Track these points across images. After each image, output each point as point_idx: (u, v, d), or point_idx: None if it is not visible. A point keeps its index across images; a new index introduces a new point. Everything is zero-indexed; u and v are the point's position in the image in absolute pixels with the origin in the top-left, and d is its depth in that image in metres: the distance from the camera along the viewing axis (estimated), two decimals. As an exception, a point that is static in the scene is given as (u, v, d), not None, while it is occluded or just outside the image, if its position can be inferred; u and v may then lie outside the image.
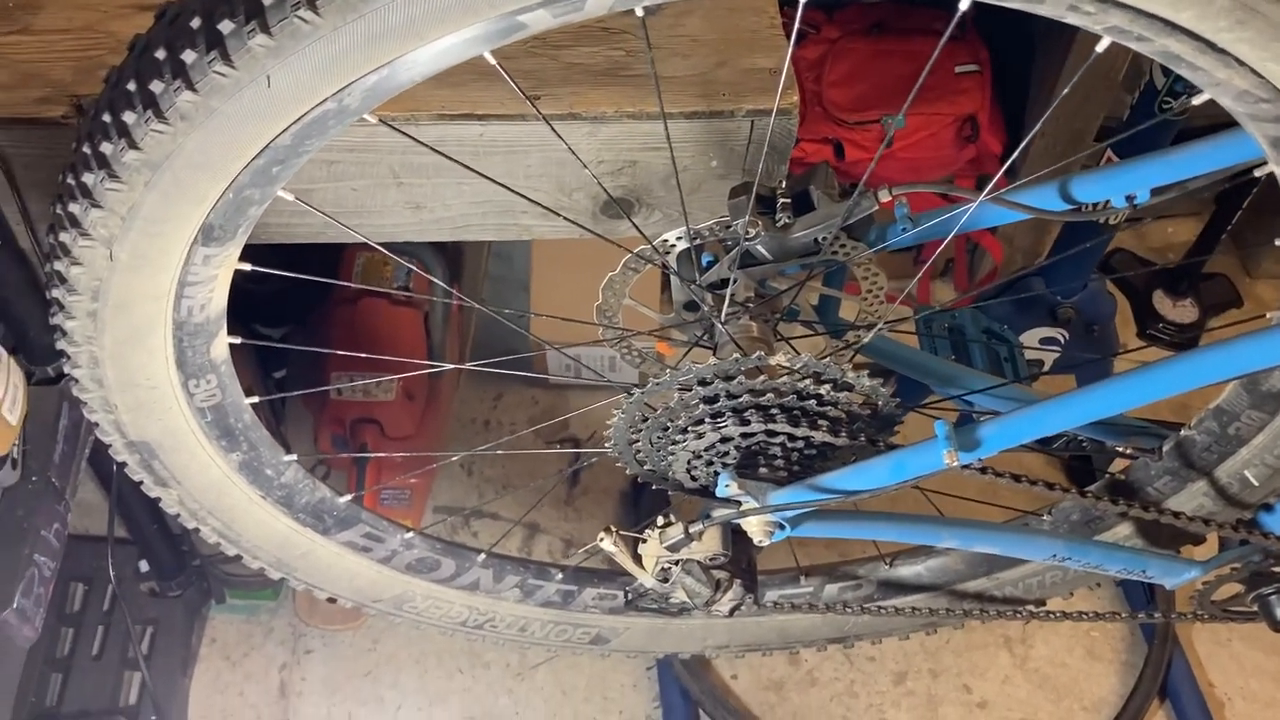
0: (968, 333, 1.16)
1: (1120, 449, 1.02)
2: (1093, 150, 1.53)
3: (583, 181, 1.10)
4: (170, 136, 0.62)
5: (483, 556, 1.12)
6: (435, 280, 1.71)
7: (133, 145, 0.62)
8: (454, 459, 1.83)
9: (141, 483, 0.91)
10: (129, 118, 0.61)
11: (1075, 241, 1.33)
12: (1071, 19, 0.62)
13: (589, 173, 1.07)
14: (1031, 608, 1.14)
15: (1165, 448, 1.01)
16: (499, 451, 1.96)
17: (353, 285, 1.65)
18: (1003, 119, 1.93)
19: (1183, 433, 0.99)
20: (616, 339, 0.95)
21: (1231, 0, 0.58)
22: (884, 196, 0.83)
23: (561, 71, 1.08)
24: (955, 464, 0.78)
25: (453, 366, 1.78)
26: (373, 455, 1.66)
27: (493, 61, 0.65)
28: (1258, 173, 0.74)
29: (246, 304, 1.75)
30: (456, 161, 0.94)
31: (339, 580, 1.08)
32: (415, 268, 1.70)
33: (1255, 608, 1.08)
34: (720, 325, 0.83)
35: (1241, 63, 0.63)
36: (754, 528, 0.85)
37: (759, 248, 0.85)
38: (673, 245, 0.87)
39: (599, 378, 1.74)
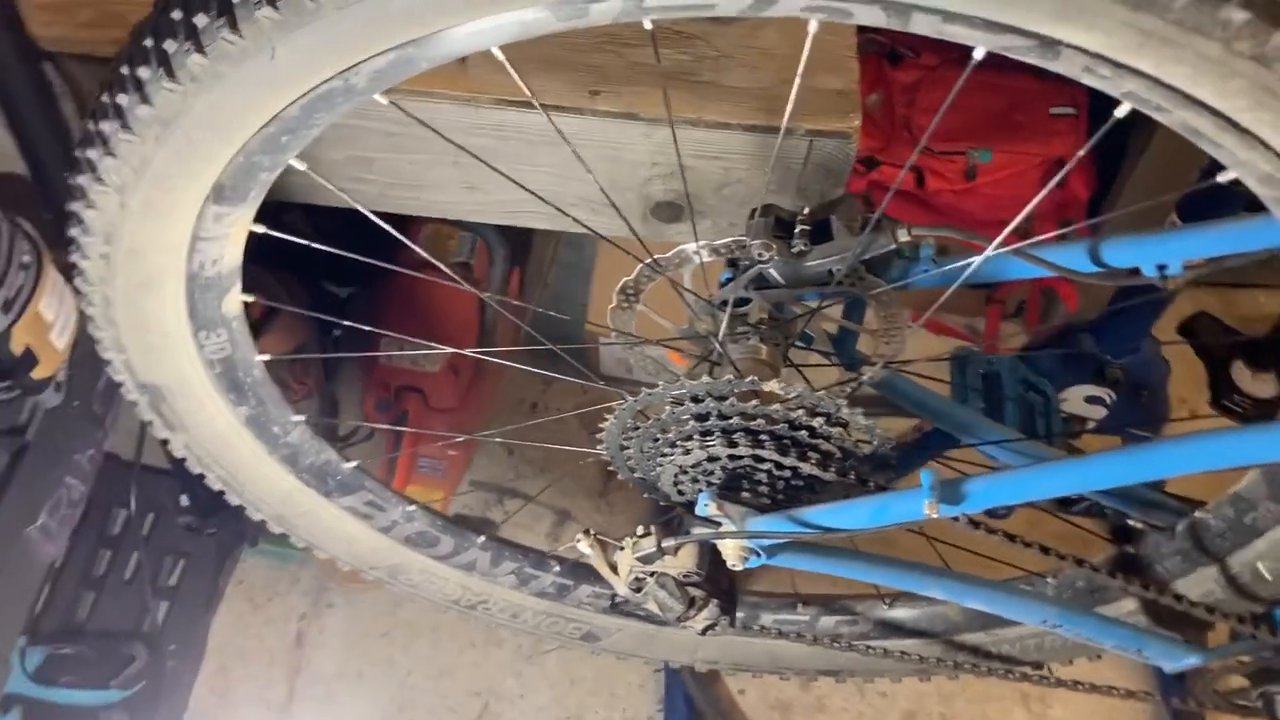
0: (1004, 382, 1.13)
1: (1134, 521, 0.99)
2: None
3: (634, 181, 1.10)
4: (180, 96, 0.63)
5: (482, 539, 1.14)
6: (495, 261, 1.73)
7: (145, 100, 0.64)
8: (470, 438, 1.84)
9: (150, 423, 0.94)
10: (144, 73, 0.63)
11: (1129, 300, 1.29)
12: (1088, 80, 0.60)
13: (640, 174, 1.07)
14: (1028, 670, 1.11)
15: (1179, 527, 0.97)
16: (497, 438, 1.97)
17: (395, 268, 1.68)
18: (1094, 167, 1.88)
19: (1198, 514, 0.95)
20: (629, 344, 0.95)
21: (1251, 81, 0.55)
22: (903, 236, 0.81)
23: (626, 70, 1.08)
24: (935, 515, 0.76)
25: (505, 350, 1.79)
26: (402, 430, 1.69)
27: (500, 58, 0.65)
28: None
29: (315, 261, 1.80)
30: (458, 143, 0.95)
31: (338, 543, 1.10)
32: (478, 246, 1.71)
33: (1260, 704, 1.04)
34: (717, 343, 0.82)
35: (1267, 146, 0.60)
36: (729, 551, 0.85)
37: (772, 271, 0.84)
38: (689, 257, 0.87)
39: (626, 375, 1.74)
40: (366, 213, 0.95)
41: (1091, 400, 1.36)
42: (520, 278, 1.83)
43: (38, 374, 1.19)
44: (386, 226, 0.91)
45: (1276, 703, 1.03)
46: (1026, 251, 0.82)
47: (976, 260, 0.75)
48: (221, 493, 1.04)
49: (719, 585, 0.92)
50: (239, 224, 0.77)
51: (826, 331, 0.96)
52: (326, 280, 1.84)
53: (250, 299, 0.85)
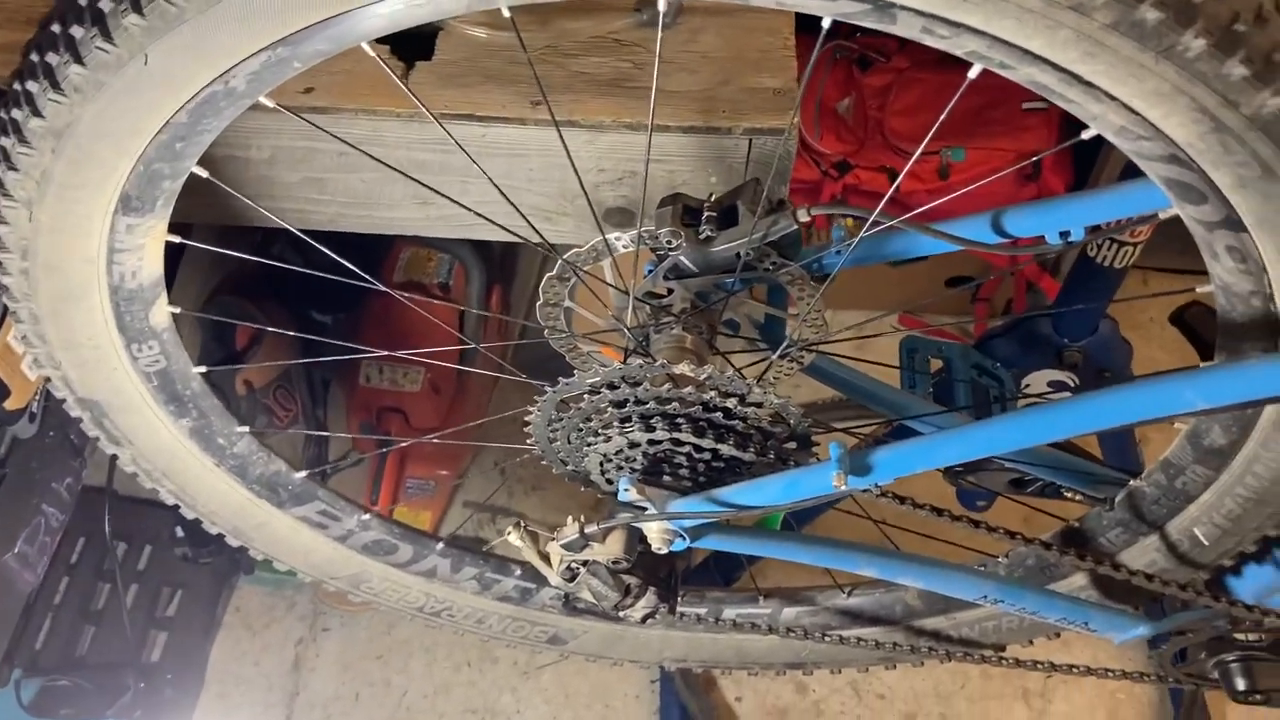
0: (955, 367, 1.14)
1: (1070, 495, 0.99)
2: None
3: (579, 191, 1.11)
4: (68, 107, 0.66)
5: (440, 545, 1.15)
6: (473, 280, 1.76)
7: (36, 113, 0.67)
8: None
9: (98, 439, 0.97)
10: (33, 87, 0.66)
11: (1081, 284, 1.29)
12: (929, 41, 0.61)
13: (588, 180, 1.09)
14: (988, 652, 1.11)
15: (1118, 498, 0.97)
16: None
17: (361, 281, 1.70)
18: (1070, 160, 1.88)
19: (1133, 483, 0.95)
20: (561, 341, 0.97)
21: (1075, 31, 0.56)
22: (803, 216, 0.82)
23: (566, 79, 1.09)
24: (844, 487, 0.77)
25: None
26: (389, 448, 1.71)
27: (372, 54, 0.68)
28: (1163, 215, 0.71)
29: (300, 289, 1.84)
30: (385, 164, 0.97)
31: (295, 554, 1.11)
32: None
33: (1216, 674, 1.04)
34: (626, 329, 0.84)
35: (1111, 97, 0.61)
36: (654, 534, 0.86)
37: (683, 259, 0.85)
38: (602, 252, 0.88)
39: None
40: (297, 232, 0.98)
41: (1054, 385, 1.36)
42: (503, 295, 1.85)
43: (10, 405, 1.21)
44: (329, 250, 0.93)
45: (1232, 671, 1.02)
46: (924, 225, 0.83)
47: (863, 234, 0.76)
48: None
49: (656, 574, 0.92)
50: (152, 235, 0.79)
51: (753, 319, 0.97)
52: (311, 308, 1.88)
53: (177, 310, 0.88)
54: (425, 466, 1.84)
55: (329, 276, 1.00)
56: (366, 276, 0.93)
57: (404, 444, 1.75)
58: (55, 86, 0.65)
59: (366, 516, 1.11)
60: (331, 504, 1.09)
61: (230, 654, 1.81)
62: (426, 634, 1.83)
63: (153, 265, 0.82)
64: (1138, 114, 0.62)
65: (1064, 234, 0.82)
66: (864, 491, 0.79)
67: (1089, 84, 0.60)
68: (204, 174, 0.76)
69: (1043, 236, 0.83)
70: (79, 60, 0.63)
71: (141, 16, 0.60)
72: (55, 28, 0.64)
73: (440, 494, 1.85)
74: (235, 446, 1.01)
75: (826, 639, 1.11)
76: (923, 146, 0.98)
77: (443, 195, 0.98)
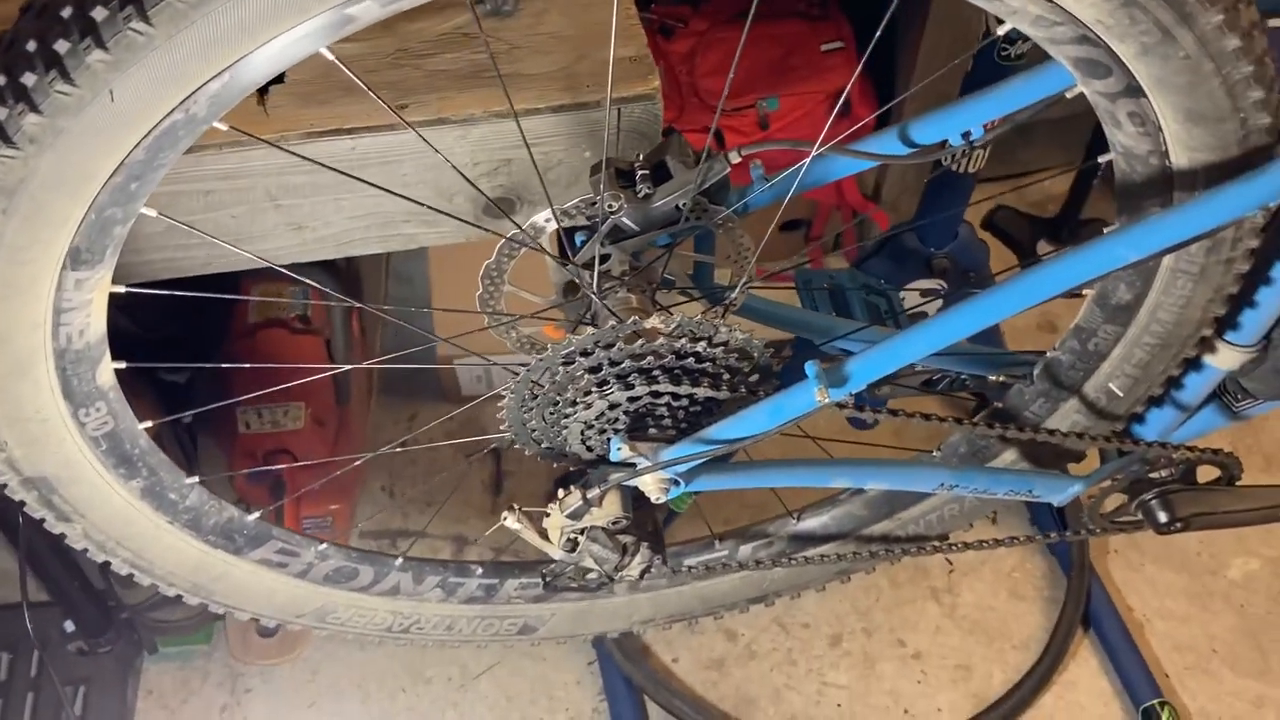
0: (846, 289, 1.21)
1: (997, 378, 1.07)
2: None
3: (461, 184, 1.12)
4: (22, 161, 0.63)
5: (400, 560, 1.14)
6: (333, 302, 1.72)
7: (-15, 174, 0.64)
8: (360, 460, 1.83)
9: (44, 520, 0.92)
10: (-22, 147, 0.63)
11: (939, 194, 1.40)
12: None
13: (465, 176, 1.09)
14: (935, 543, 1.19)
15: (1036, 371, 1.06)
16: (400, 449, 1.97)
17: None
18: (874, 91, 2.00)
19: (1049, 354, 1.04)
20: (502, 326, 0.98)
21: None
22: (734, 158, 0.86)
23: (426, 79, 1.10)
24: (827, 400, 0.82)
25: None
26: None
27: (330, 57, 0.68)
28: (1069, 94, 0.79)
29: (147, 354, 1.76)
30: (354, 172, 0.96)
31: (258, 599, 1.09)
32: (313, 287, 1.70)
33: (1139, 514, 1.14)
34: (595, 297, 0.86)
35: (1030, -12, 0.68)
36: (650, 486, 0.89)
37: (625, 220, 0.88)
38: (543, 227, 0.90)
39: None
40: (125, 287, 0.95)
41: (927, 293, 1.46)
42: (359, 316, 1.82)
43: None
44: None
45: (1153, 508, 1.13)
46: (848, 149, 0.89)
47: (803, 164, 0.81)
48: (111, 606, 1.02)
49: (645, 529, 0.95)
50: (99, 287, 0.76)
51: (685, 271, 1.00)
52: (160, 372, 1.80)
53: (122, 365, 0.84)
54: (318, 504, 1.79)
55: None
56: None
57: (296, 495, 1.71)
58: (7, 141, 0.62)
59: (323, 546, 1.10)
60: (287, 540, 1.07)
61: (153, 739, 1.72)
62: (353, 669, 1.79)
63: (99, 321, 0.79)
64: (1052, 1, 0.69)
65: (965, 134, 0.89)
66: (840, 405, 0.84)
67: (1004, -23, 0.67)
68: (153, 214, 0.74)
69: (946, 140, 0.90)
70: (34, 109, 0.61)
71: (106, 51, 0.59)
72: (1, 79, 0.61)
73: (337, 528, 1.81)
74: (187, 500, 0.98)
75: (791, 563, 1.16)
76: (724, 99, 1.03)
77: (394, 192, 0.97)
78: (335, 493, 1.80)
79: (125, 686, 1.72)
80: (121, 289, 0.79)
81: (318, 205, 1.13)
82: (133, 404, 1.48)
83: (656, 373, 0.86)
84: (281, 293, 1.75)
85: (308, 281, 1.73)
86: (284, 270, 1.04)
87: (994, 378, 1.07)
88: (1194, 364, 1.05)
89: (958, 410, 1.46)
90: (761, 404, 0.86)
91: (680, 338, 0.85)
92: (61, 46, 0.59)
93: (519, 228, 0.90)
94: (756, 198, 0.93)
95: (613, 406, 0.88)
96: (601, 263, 0.93)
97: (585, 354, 0.85)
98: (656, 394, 0.87)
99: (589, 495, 0.87)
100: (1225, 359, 1.03)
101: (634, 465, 0.88)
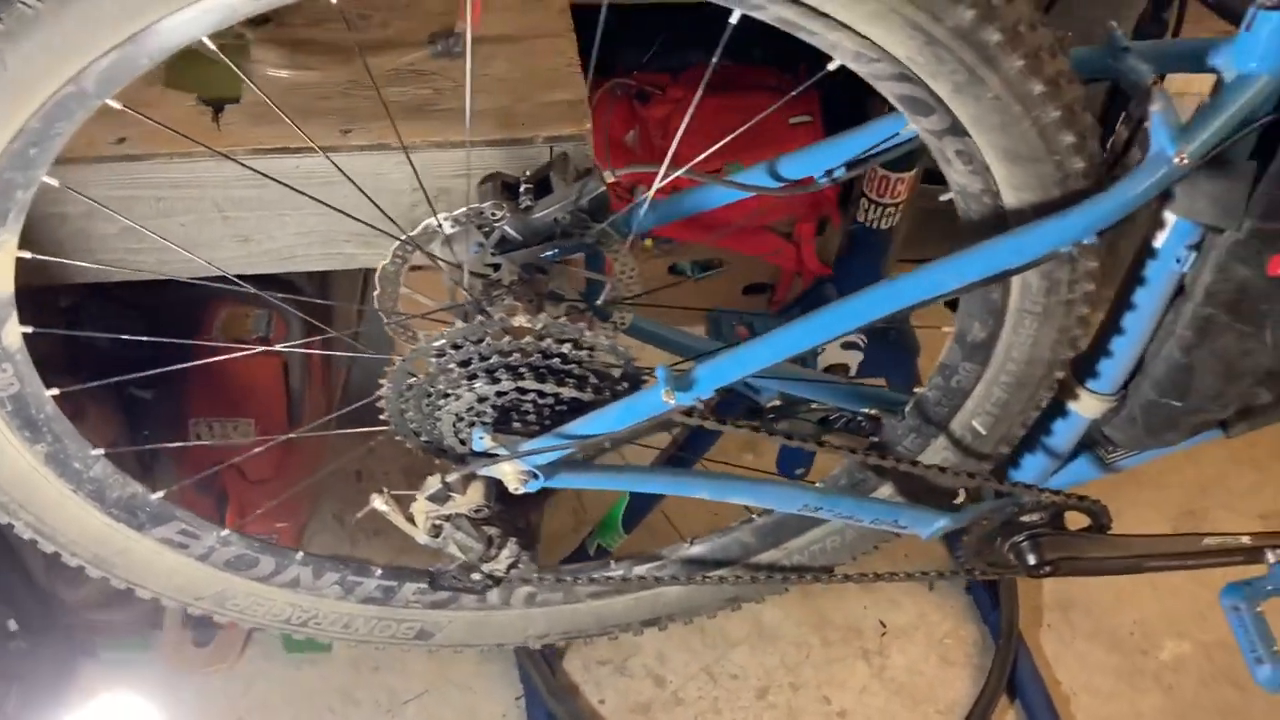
0: (758, 332, 1.27)
1: (868, 411, 1.13)
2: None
3: (401, 207, 1.19)
4: (-80, 120, 0.72)
5: (301, 554, 1.20)
6: (292, 328, 1.80)
7: (-107, 130, 0.72)
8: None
9: (-49, 477, 0.98)
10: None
11: (855, 249, 1.47)
12: (699, -10, 0.74)
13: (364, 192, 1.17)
14: (818, 574, 1.23)
15: (907, 407, 1.11)
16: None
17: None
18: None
19: (918, 390, 1.10)
20: (396, 325, 1.04)
21: (802, -35, 0.70)
22: (609, 177, 0.94)
23: (373, 108, 1.18)
24: (673, 402, 0.88)
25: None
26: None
27: (211, 46, 0.75)
28: (903, 133, 0.86)
29: (119, 368, 1.83)
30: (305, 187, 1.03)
31: (158, 577, 1.14)
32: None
33: (1012, 557, 1.19)
34: (466, 292, 0.93)
35: (841, 24, 0.75)
36: (508, 476, 0.94)
37: (509, 229, 0.95)
38: (434, 233, 0.97)
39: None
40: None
41: (847, 347, 1.52)
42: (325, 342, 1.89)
43: None
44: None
45: (1023, 550, 1.17)
46: (725, 179, 0.96)
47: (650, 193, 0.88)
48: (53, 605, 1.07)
49: (515, 525, 1.01)
50: (4, 250, 0.84)
51: (576, 287, 1.07)
52: (131, 386, 1.87)
53: (29, 330, 0.91)
54: (264, 523, 1.85)
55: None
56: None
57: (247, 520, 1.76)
58: (-91, 99, 0.70)
59: (226, 533, 1.15)
60: (190, 523, 1.13)
61: (82, 740, 1.76)
62: (285, 686, 1.82)
63: (4, 283, 0.87)
64: (865, 37, 0.76)
65: (829, 172, 0.96)
66: (685, 410, 0.90)
67: (822, 14, 0.74)
68: (55, 183, 0.81)
69: (812, 177, 0.97)
70: (-65, 70, 0.69)
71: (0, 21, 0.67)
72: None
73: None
74: (91, 470, 1.04)
75: (681, 583, 1.21)
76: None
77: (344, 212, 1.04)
78: (282, 512, 1.85)
79: (62, 687, 1.76)
80: (27, 255, 0.86)
81: (263, 219, 1.21)
82: (101, 420, 1.56)
83: (523, 370, 0.92)
84: (247, 316, 1.83)
85: (273, 302, 1.84)
86: (242, 286, 1.10)
87: (872, 412, 1.13)
88: (1060, 410, 1.11)
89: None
90: (615, 404, 0.92)
91: (546, 338, 0.91)
92: (-40, 15, 0.67)
93: (407, 235, 0.97)
94: (638, 220, 0.99)
95: (481, 399, 0.94)
96: (494, 271, 1.00)
97: (456, 347, 0.92)
98: (523, 390, 0.93)
99: (447, 479, 0.93)
100: (1087, 406, 1.08)
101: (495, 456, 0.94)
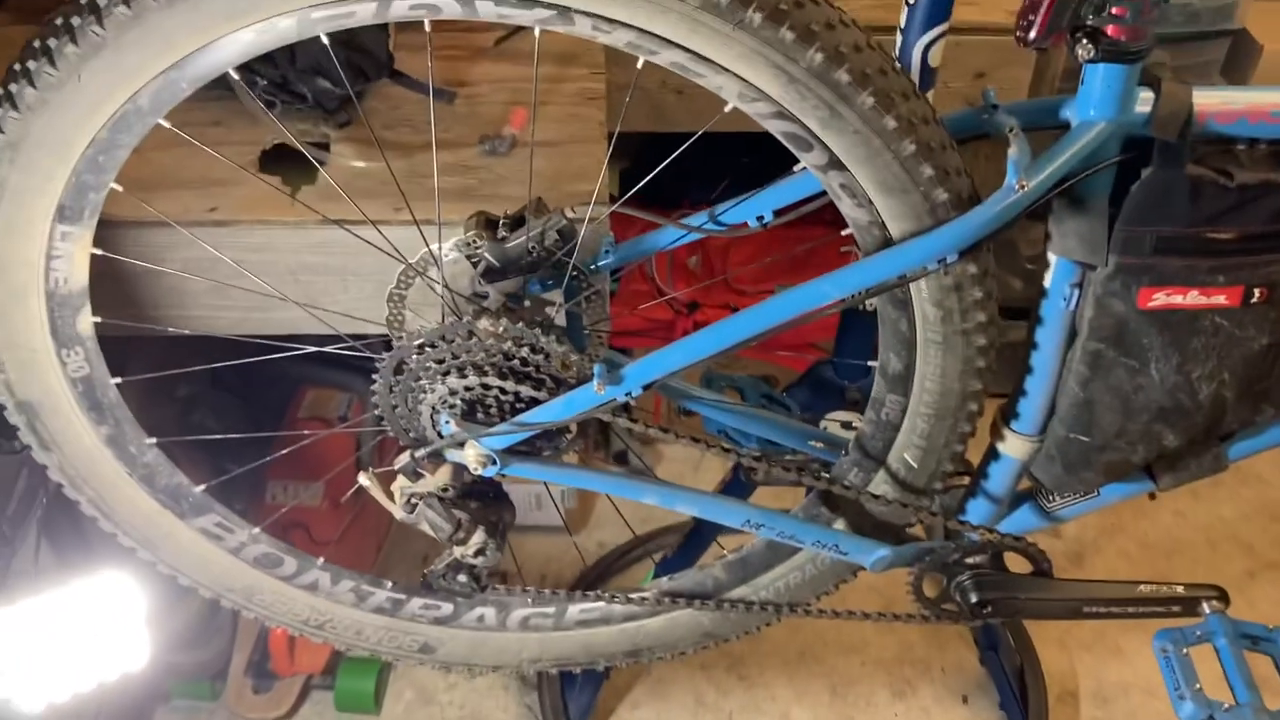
0: (747, 395, 1.41)
1: (814, 444, 1.24)
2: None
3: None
4: (22, 122, 0.95)
5: (321, 560, 1.36)
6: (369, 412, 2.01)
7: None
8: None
9: (31, 447, 1.19)
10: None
11: (849, 331, 1.58)
12: (601, 39, 0.91)
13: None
14: (785, 610, 1.32)
15: (850, 443, 1.23)
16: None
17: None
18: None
19: (856, 424, 1.21)
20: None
21: (679, 14, 0.87)
22: (569, 213, 1.12)
23: (424, 192, 1.40)
24: (604, 394, 1.03)
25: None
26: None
27: (235, 76, 0.98)
28: (796, 169, 1.02)
29: (218, 448, 2.08)
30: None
31: (197, 566, 1.32)
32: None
33: (958, 596, 1.26)
34: (440, 293, 1.11)
35: (722, 67, 0.91)
36: (470, 458, 1.10)
37: (488, 256, 1.14)
38: (430, 260, 1.17)
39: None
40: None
41: (845, 425, 1.61)
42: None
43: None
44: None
45: (966, 588, 1.25)
46: (679, 221, 1.13)
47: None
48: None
49: (487, 518, 1.16)
50: (80, 244, 1.06)
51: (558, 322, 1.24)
52: (228, 461, 2.11)
53: (99, 319, 1.13)
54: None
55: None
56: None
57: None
58: (14, 106, 0.94)
59: (256, 531, 1.33)
60: (226, 517, 1.31)
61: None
62: None
63: (80, 274, 1.09)
64: (742, 78, 0.92)
65: (760, 218, 1.13)
66: (621, 406, 1.06)
67: (704, 58, 0.91)
68: (120, 189, 1.04)
69: (746, 223, 1.14)
70: (31, 84, 0.93)
71: (76, 45, 0.91)
72: (16, 66, 0.94)
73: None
74: (145, 456, 1.24)
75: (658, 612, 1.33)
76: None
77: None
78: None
79: (144, 726, 1.94)
80: (99, 251, 1.08)
81: (329, 283, 1.43)
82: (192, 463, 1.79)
83: (487, 369, 1.09)
84: (331, 398, 2.07)
85: (351, 388, 2.07)
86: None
87: (815, 443, 1.25)
88: (994, 454, 1.20)
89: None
90: (560, 398, 1.08)
91: (506, 340, 1.08)
92: (52, 42, 0.91)
93: (408, 262, 1.16)
94: (605, 259, 1.17)
95: (452, 392, 1.11)
96: (482, 299, 1.18)
97: (432, 346, 1.10)
98: (486, 386, 1.10)
99: (416, 454, 1.09)
100: (1013, 447, 1.18)
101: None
